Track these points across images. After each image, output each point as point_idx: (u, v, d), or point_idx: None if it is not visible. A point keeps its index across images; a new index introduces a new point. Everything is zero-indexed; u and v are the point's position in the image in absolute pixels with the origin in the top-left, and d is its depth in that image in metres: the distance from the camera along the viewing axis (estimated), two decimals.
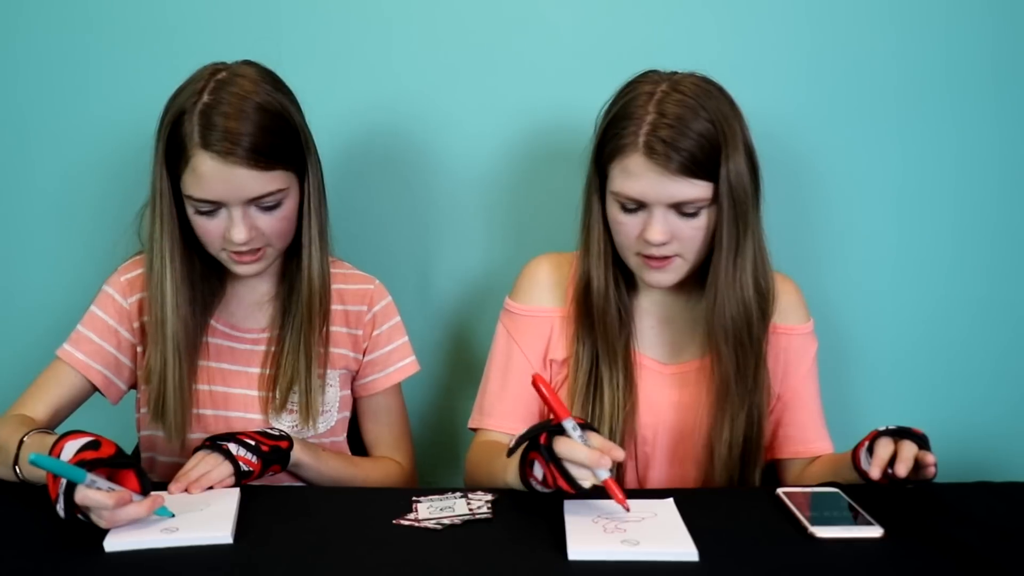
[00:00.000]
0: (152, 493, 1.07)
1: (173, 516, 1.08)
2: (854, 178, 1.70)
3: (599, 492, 1.09)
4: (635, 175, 1.23)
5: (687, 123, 1.22)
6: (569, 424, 1.10)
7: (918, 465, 1.12)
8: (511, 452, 1.15)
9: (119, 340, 1.38)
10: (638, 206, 1.26)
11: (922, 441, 1.16)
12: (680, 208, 1.24)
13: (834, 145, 1.69)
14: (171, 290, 1.31)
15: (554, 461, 1.08)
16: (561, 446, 1.08)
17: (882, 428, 1.18)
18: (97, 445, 1.08)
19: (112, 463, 1.07)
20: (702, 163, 1.22)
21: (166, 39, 1.67)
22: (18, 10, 1.68)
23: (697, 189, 1.23)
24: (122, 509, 1.03)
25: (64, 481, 1.02)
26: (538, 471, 1.11)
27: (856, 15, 1.65)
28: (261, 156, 1.24)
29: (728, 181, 1.24)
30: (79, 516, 1.04)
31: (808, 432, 1.40)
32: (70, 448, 1.07)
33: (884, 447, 1.12)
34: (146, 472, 1.09)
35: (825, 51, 1.66)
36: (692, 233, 1.26)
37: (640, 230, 1.26)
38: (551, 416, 1.13)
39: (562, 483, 1.08)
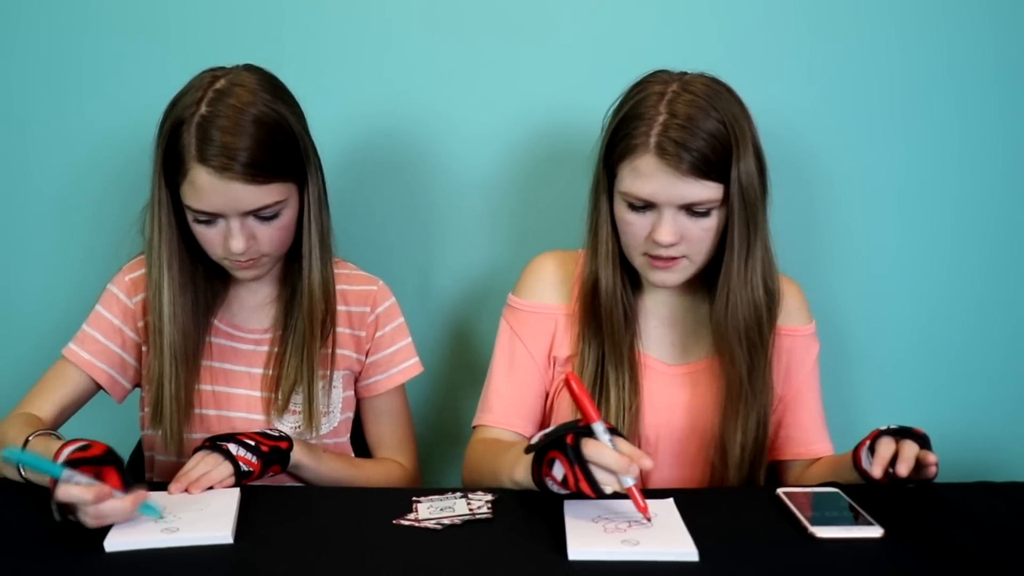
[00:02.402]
0: (136, 490, 1.06)
1: (161, 517, 1.08)
2: (856, 179, 1.70)
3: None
4: (646, 175, 1.23)
5: (698, 124, 1.21)
6: (599, 427, 1.08)
7: (919, 465, 1.12)
8: (532, 449, 1.13)
9: (124, 339, 1.38)
10: (647, 206, 1.25)
11: (923, 441, 1.16)
12: (690, 209, 1.24)
13: (836, 146, 1.69)
14: (168, 299, 1.31)
15: (580, 463, 1.06)
16: (589, 449, 1.06)
17: (883, 428, 1.18)
18: (86, 448, 1.08)
19: (93, 461, 1.07)
20: (713, 164, 1.22)
21: (167, 41, 1.67)
22: (18, 11, 1.68)
23: (708, 190, 1.23)
24: (103, 504, 1.02)
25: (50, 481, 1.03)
26: (558, 471, 1.09)
27: (860, 15, 1.65)
28: (258, 170, 1.23)
29: (739, 182, 1.23)
30: (70, 518, 1.04)
31: (809, 434, 1.40)
32: (65, 453, 1.08)
33: (886, 446, 1.12)
34: (127, 471, 1.08)
35: (829, 51, 1.66)
36: (701, 234, 1.26)
37: (648, 230, 1.26)
38: (579, 417, 1.11)
39: (585, 486, 1.06)
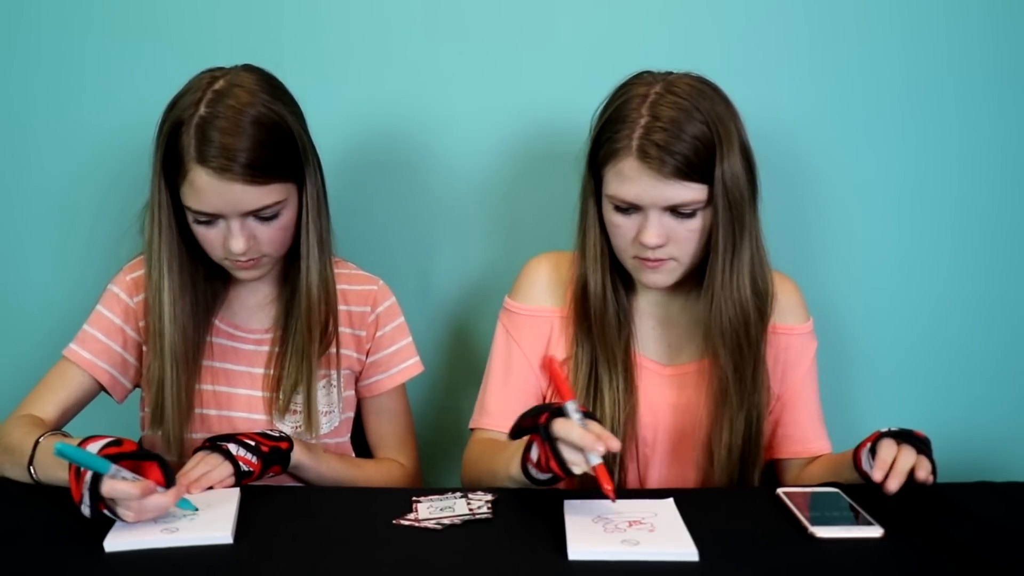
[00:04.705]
0: (177, 484, 1.09)
1: (196, 510, 1.09)
2: (854, 178, 1.70)
3: (599, 493, 1.09)
4: (629, 179, 1.23)
5: (681, 126, 1.21)
6: (571, 406, 1.10)
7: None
8: (513, 432, 1.15)
9: (125, 339, 1.38)
10: (633, 208, 1.25)
11: (923, 444, 1.16)
12: (675, 210, 1.24)
13: (834, 145, 1.69)
14: (168, 300, 1.31)
15: (549, 441, 1.08)
16: (558, 426, 1.08)
17: (884, 430, 1.17)
18: (119, 443, 1.09)
19: (136, 456, 1.08)
20: (696, 166, 1.22)
21: (167, 40, 1.67)
22: (19, 11, 1.68)
23: (692, 192, 1.23)
24: (148, 499, 1.04)
25: (88, 478, 1.03)
26: (534, 453, 1.11)
27: (855, 14, 1.65)
28: (258, 171, 1.23)
29: (723, 183, 1.23)
30: (104, 512, 1.04)
31: (807, 432, 1.40)
32: (93, 448, 1.08)
33: (887, 449, 1.12)
34: (168, 466, 1.10)
35: (824, 50, 1.66)
36: (687, 235, 1.26)
37: (636, 232, 1.26)
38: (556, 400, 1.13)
39: (554, 465, 1.08)
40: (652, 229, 1.24)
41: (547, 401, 1.41)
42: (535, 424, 1.11)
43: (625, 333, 1.36)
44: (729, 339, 1.30)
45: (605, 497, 1.08)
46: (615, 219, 1.28)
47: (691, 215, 1.25)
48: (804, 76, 1.67)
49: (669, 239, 1.26)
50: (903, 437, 1.15)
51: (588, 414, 1.11)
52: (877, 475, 1.11)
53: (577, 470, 1.08)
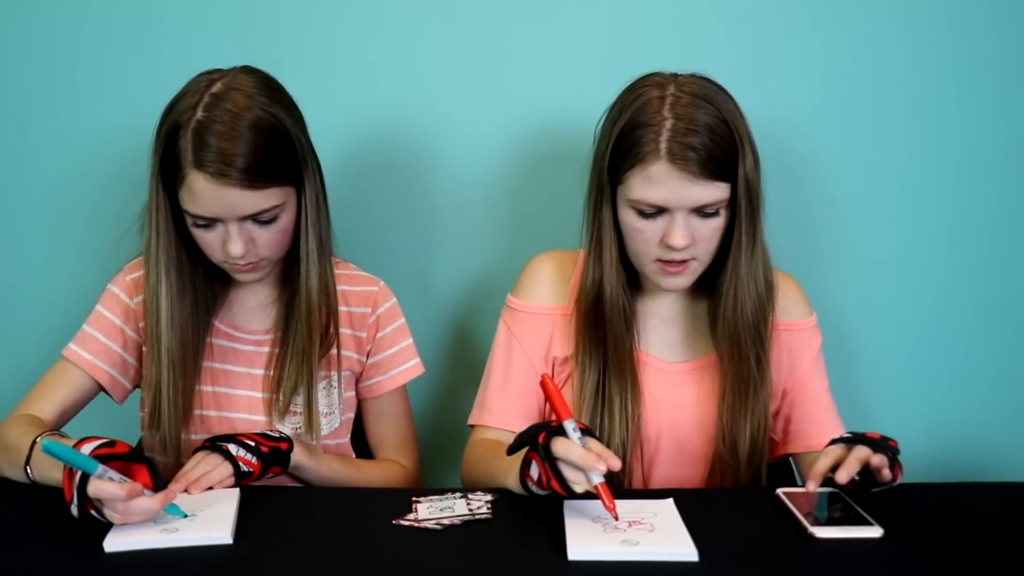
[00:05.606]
0: (167, 488, 1.09)
1: (186, 516, 1.09)
2: (856, 177, 1.70)
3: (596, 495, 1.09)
4: (658, 182, 1.23)
5: (704, 126, 1.22)
6: (570, 425, 1.09)
7: (870, 472, 1.12)
8: (511, 450, 1.15)
9: (125, 339, 1.38)
10: (658, 212, 1.25)
11: (878, 445, 1.14)
12: (701, 210, 1.25)
13: (835, 144, 1.69)
14: (166, 305, 1.31)
15: (549, 461, 1.08)
16: (558, 446, 1.08)
17: (837, 436, 1.19)
18: (112, 444, 1.09)
19: (125, 458, 1.08)
20: (723, 164, 1.22)
21: (166, 40, 1.68)
22: (16, 11, 1.68)
23: (719, 191, 1.24)
24: (134, 502, 1.04)
25: (78, 477, 1.03)
26: (534, 471, 1.11)
27: (856, 14, 1.65)
28: (255, 176, 1.23)
29: (745, 179, 1.25)
30: (92, 513, 1.04)
31: (818, 426, 1.39)
32: (86, 449, 1.08)
33: (824, 458, 1.13)
34: (158, 469, 1.09)
35: (829, 49, 1.66)
36: (710, 234, 1.27)
37: (660, 235, 1.26)
38: (553, 417, 1.13)
39: (555, 485, 1.08)
40: (679, 231, 1.24)
41: (545, 403, 1.41)
42: (534, 443, 1.11)
43: (630, 336, 1.36)
44: (751, 332, 1.31)
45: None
46: (637, 224, 1.27)
47: (715, 214, 1.26)
48: (803, 76, 1.67)
49: (693, 240, 1.26)
50: (856, 442, 1.15)
51: (586, 431, 1.11)
52: (811, 486, 1.12)
53: (579, 489, 1.08)
